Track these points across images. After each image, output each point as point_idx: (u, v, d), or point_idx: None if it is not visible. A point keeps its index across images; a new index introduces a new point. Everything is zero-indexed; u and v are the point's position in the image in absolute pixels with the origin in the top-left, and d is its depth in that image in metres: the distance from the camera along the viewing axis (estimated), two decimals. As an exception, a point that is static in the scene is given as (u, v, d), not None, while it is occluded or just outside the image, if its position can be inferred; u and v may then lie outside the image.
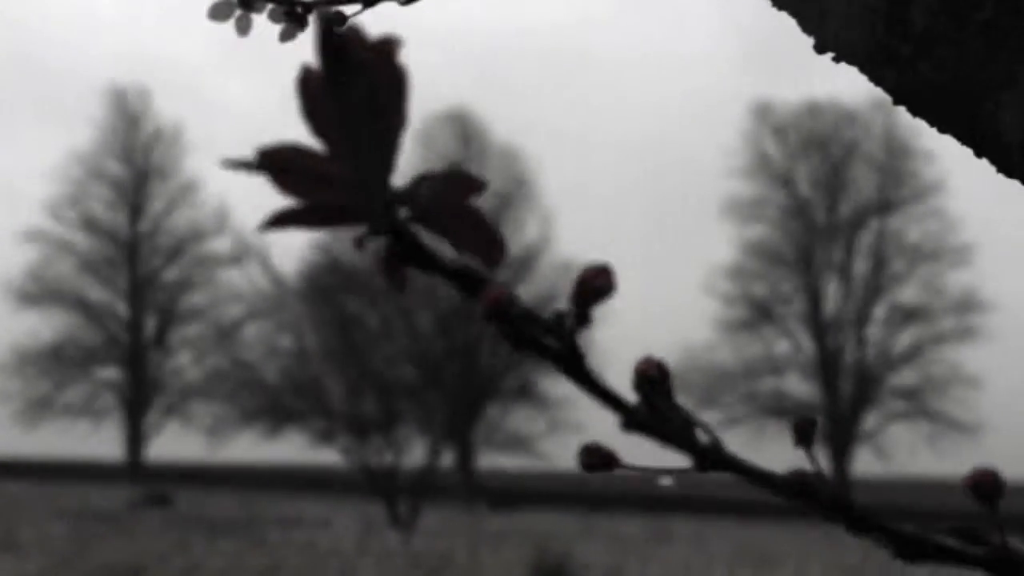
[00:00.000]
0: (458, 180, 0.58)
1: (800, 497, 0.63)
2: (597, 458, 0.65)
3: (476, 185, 0.58)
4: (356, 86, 0.56)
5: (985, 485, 0.64)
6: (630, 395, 0.64)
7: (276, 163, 0.57)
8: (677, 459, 0.64)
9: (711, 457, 0.63)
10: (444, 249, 0.60)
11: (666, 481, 0.66)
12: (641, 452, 0.68)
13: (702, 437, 0.64)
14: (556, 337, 0.61)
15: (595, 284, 0.61)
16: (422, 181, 0.58)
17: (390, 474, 29.99)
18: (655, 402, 0.63)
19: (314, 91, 0.57)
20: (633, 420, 0.63)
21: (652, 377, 0.63)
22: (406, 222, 0.59)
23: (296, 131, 0.58)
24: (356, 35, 0.56)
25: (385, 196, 0.58)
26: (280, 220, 0.58)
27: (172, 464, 53.82)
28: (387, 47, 0.56)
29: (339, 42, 0.56)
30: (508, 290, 0.58)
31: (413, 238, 0.59)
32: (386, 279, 0.60)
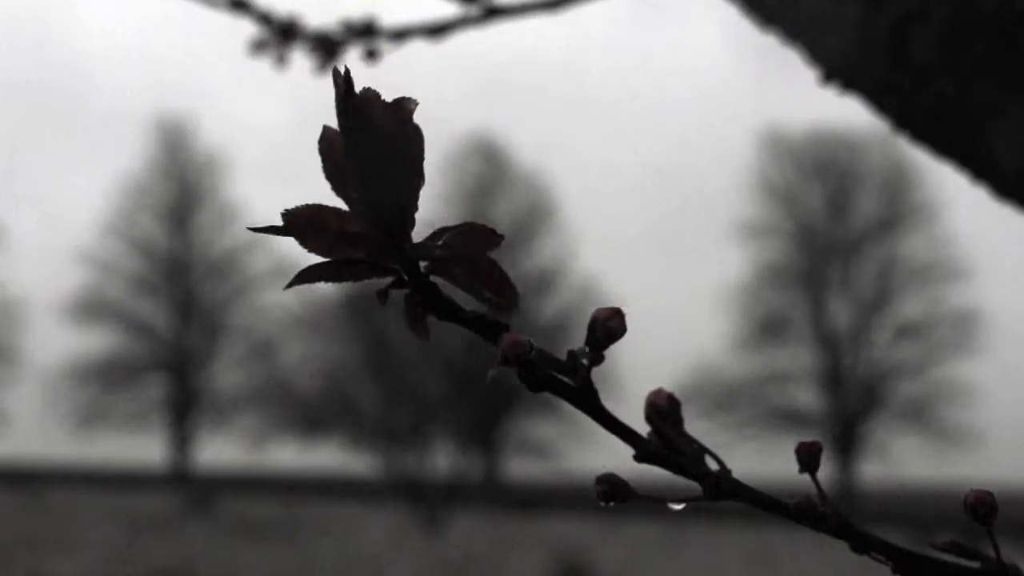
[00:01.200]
0: (474, 233, 0.58)
1: (807, 522, 0.63)
2: (611, 487, 0.65)
3: (492, 238, 0.58)
4: (374, 146, 0.56)
5: (982, 506, 0.65)
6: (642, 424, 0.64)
7: (300, 224, 0.57)
8: (690, 483, 0.64)
9: (722, 486, 0.63)
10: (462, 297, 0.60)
11: (677, 507, 0.66)
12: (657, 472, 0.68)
13: (712, 465, 0.64)
14: (571, 376, 0.61)
15: (608, 326, 0.61)
16: (440, 234, 0.58)
17: (420, 480, 30.03)
18: (666, 433, 0.63)
19: (335, 152, 0.57)
20: (646, 452, 0.63)
21: (662, 409, 0.63)
22: (426, 274, 0.59)
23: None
24: (373, 97, 0.56)
25: (405, 251, 0.58)
26: (305, 276, 0.58)
27: (216, 470, 53.88)
28: (402, 108, 0.56)
29: (358, 104, 0.56)
30: (524, 337, 0.58)
31: (433, 289, 0.59)
32: (410, 328, 0.60)
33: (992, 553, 0.64)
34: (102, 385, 57.10)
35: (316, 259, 0.58)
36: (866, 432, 54.36)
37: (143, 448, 58.07)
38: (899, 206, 54.67)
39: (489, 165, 54.80)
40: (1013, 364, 64.43)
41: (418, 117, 0.58)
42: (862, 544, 0.64)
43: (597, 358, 0.61)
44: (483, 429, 34.65)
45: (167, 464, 57.61)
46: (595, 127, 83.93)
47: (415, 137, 0.57)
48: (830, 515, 0.63)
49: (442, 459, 30.90)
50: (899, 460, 50.51)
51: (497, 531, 29.76)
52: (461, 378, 32.04)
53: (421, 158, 0.58)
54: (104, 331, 57.85)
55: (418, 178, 0.58)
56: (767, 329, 55.25)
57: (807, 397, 54.48)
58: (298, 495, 42.84)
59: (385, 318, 31.75)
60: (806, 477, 0.66)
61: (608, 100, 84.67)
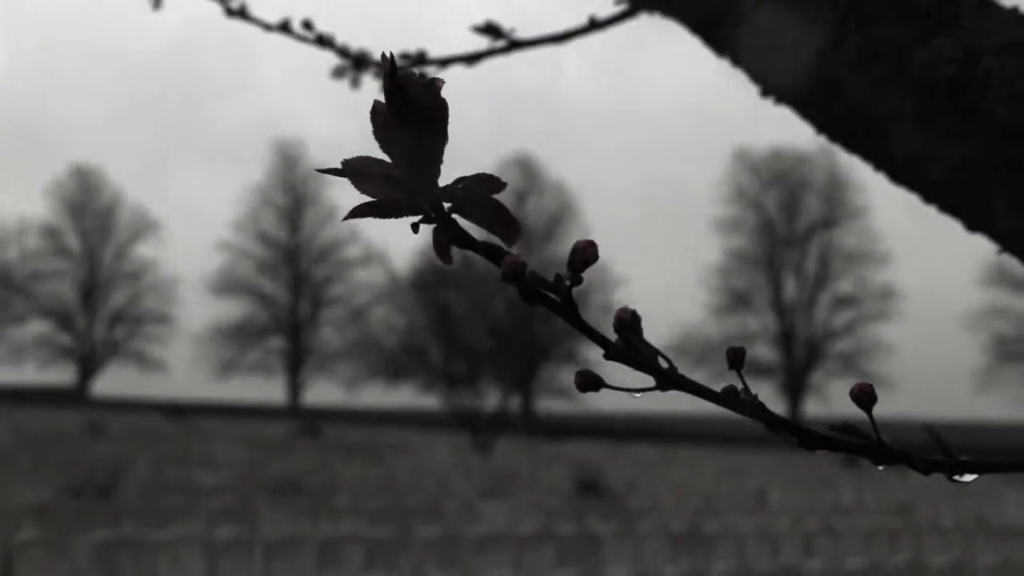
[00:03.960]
0: (485, 181, 0.58)
1: (730, 406, 0.63)
2: (587, 379, 0.64)
3: (498, 184, 0.58)
4: (410, 114, 0.57)
5: (863, 396, 0.64)
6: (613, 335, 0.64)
7: (355, 170, 0.57)
8: (647, 380, 0.63)
9: (668, 378, 0.63)
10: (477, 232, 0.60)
11: (637, 395, 0.65)
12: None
13: (663, 364, 0.64)
14: (556, 293, 0.61)
15: (585, 254, 0.60)
16: (460, 182, 0.58)
17: (473, 414, 30.00)
18: (629, 339, 0.63)
19: (382, 118, 0.57)
20: (613, 352, 0.63)
21: (626, 320, 0.63)
22: (449, 212, 0.59)
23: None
24: (411, 77, 0.56)
25: (433, 193, 0.58)
26: (357, 212, 0.58)
27: (320, 406, 54.04)
28: (433, 86, 0.57)
29: (399, 82, 0.56)
30: (521, 259, 0.58)
31: (454, 224, 0.59)
32: (436, 254, 0.60)
33: (873, 433, 0.64)
34: (236, 342, 57.60)
35: (364, 199, 0.58)
36: (810, 379, 54.80)
37: (266, 389, 58.38)
38: (836, 208, 55.42)
39: (525, 176, 55.03)
40: (920, 327, 64.55)
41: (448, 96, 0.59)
42: (774, 424, 0.63)
43: (576, 279, 0.60)
44: (521, 376, 34.60)
45: (284, 401, 57.86)
46: (604, 139, 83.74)
47: (441, 108, 0.58)
48: (750, 402, 0.63)
49: (490, 398, 30.88)
50: (835, 400, 50.65)
51: (531, 453, 29.76)
52: (504, 337, 32.01)
53: (446, 123, 0.58)
54: (237, 302, 58.43)
55: (443, 138, 0.58)
56: (736, 300, 55.91)
57: (766, 352, 54.95)
58: (382, 425, 42.98)
59: (446, 293, 31.79)
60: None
61: (612, 116, 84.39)
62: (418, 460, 25.28)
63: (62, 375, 58.78)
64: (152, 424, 36.75)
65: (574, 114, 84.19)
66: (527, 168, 55.33)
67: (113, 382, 59.73)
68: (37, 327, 57.29)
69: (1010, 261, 0.92)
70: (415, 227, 0.59)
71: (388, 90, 0.55)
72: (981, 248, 0.95)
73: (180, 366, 63.73)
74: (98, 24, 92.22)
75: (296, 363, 58.26)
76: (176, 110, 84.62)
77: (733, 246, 56.11)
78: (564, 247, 46.67)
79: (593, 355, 0.67)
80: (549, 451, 30.89)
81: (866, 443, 0.63)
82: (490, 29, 1.28)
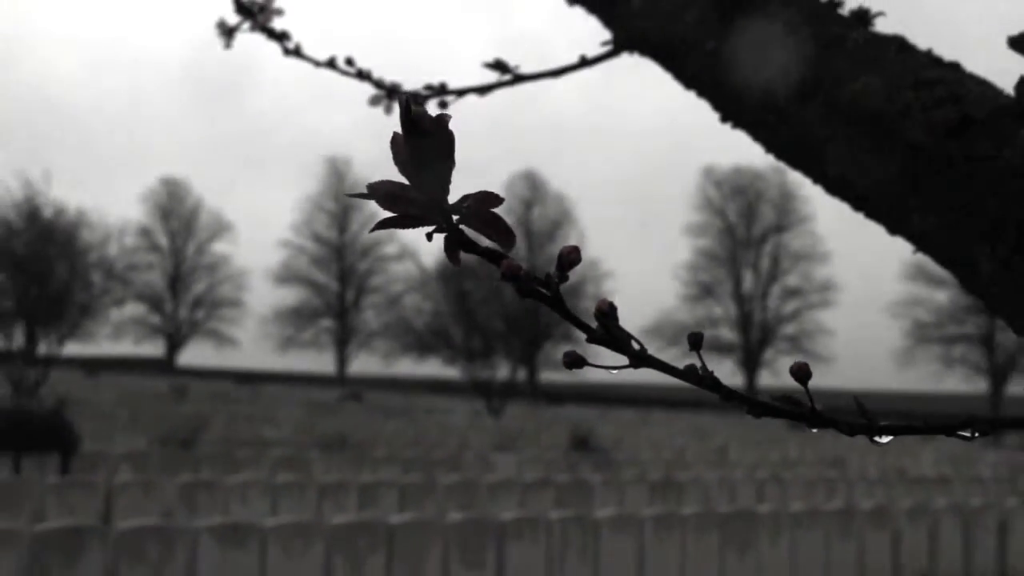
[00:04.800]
0: (486, 198, 0.58)
1: (690, 380, 0.62)
2: (574, 359, 0.64)
3: (496, 200, 0.58)
4: (423, 143, 0.56)
5: (800, 373, 0.63)
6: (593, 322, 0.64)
7: (379, 192, 0.57)
8: (624, 359, 0.63)
9: (639, 357, 0.62)
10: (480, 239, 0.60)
11: (614, 372, 0.65)
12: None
13: (636, 346, 0.63)
14: (547, 288, 0.61)
15: (570, 257, 0.60)
16: (465, 199, 0.58)
17: (488, 383, 30.01)
18: (607, 325, 0.63)
19: (400, 147, 0.56)
20: (593, 336, 0.62)
21: (605, 310, 0.62)
22: (456, 224, 0.59)
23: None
24: (423, 113, 0.56)
25: (443, 209, 0.58)
26: (382, 225, 0.58)
27: (363, 375, 54.15)
28: (442, 120, 0.56)
29: (414, 117, 0.55)
30: (516, 262, 0.58)
31: (461, 234, 0.58)
32: (447, 258, 0.60)
33: (808, 403, 0.64)
34: (294, 322, 57.72)
35: (386, 214, 0.58)
36: (763, 356, 54.92)
37: (319, 361, 58.54)
38: (786, 215, 55.68)
39: (531, 187, 55.18)
40: (853, 314, 64.54)
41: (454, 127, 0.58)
42: (727, 395, 0.63)
43: (563, 277, 0.60)
44: (527, 352, 34.56)
45: (333, 371, 57.96)
46: (596, 156, 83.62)
47: (449, 138, 0.57)
48: (707, 376, 0.62)
49: (501, 371, 30.91)
50: (784, 374, 50.71)
51: (534, 415, 29.78)
52: (513, 320, 32.02)
53: (453, 151, 0.57)
54: (295, 290, 58.61)
55: (451, 163, 0.57)
56: (703, 291, 56.15)
57: (728, 334, 55.06)
58: (412, 391, 43.02)
59: (466, 284, 31.78)
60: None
61: (602, 138, 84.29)
62: (442, 420, 25.34)
63: (153, 348, 58.99)
64: (225, 389, 36.84)
65: (573, 134, 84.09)
66: (532, 181, 55.56)
67: (194, 355, 59.91)
68: (133, 309, 57.26)
69: (926, 259, 0.91)
70: (429, 236, 0.59)
71: (405, 124, 0.55)
72: (903, 248, 0.94)
73: (249, 341, 63.82)
74: (177, 55, 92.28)
75: (343, 340, 58.46)
76: (246, 131, 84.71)
77: (701, 246, 56.60)
78: (560, 246, 47.17)
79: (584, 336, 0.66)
80: (549, 414, 30.93)
81: (802, 411, 0.63)
82: (498, 65, 1.27)
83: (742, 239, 56.36)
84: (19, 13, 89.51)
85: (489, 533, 7.39)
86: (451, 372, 33.71)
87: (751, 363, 54.06)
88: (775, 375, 52.62)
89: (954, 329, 48.15)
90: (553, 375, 44.22)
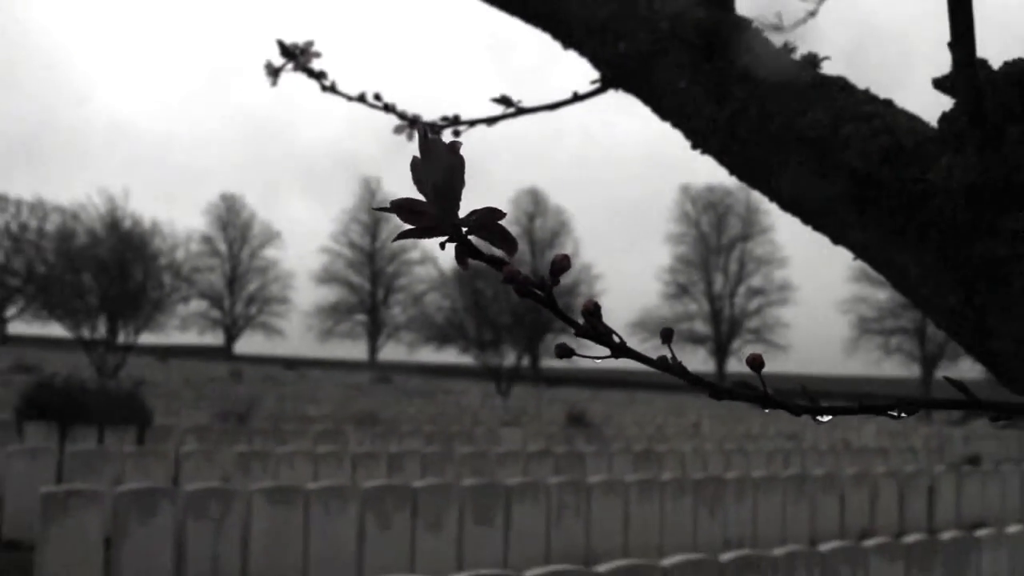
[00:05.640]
0: (491, 212, 0.58)
1: (662, 368, 0.62)
2: (563, 350, 0.64)
3: (500, 214, 0.58)
4: (437, 166, 0.56)
5: (755, 363, 0.63)
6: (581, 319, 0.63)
7: (400, 207, 0.57)
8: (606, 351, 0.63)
9: (619, 348, 0.62)
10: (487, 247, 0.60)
11: (597, 361, 0.64)
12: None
13: (616, 339, 0.63)
14: (541, 290, 0.61)
15: (560, 264, 0.60)
16: (473, 213, 0.58)
17: (496, 369, 29.98)
18: (592, 322, 0.62)
19: (418, 169, 0.56)
20: (581, 330, 0.62)
21: (590, 308, 0.62)
22: (465, 235, 0.59)
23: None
24: (437, 140, 0.56)
25: (454, 222, 0.58)
26: (403, 236, 0.58)
27: (391, 361, 54.14)
28: (454, 146, 0.56)
29: (429, 144, 0.56)
30: (516, 268, 0.58)
31: (469, 243, 0.58)
32: (458, 263, 0.60)
33: (762, 388, 0.63)
34: (332, 316, 57.72)
35: (405, 227, 0.58)
36: (732, 346, 54.82)
37: (354, 349, 58.47)
38: (750, 226, 55.58)
39: (534, 202, 55.22)
40: (807, 310, 64.40)
41: (465, 153, 0.58)
42: (693, 380, 0.62)
43: (555, 281, 0.60)
44: (530, 342, 34.43)
45: (366, 358, 57.94)
46: (590, 176, 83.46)
47: (459, 162, 0.57)
48: (675, 365, 0.62)
49: (508, 358, 30.85)
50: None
51: (536, 396, 29.76)
52: (519, 315, 31.91)
53: (463, 173, 0.57)
54: (333, 289, 58.54)
55: (461, 183, 0.57)
56: (680, 291, 56.06)
57: (702, 327, 54.91)
58: (432, 375, 43.01)
59: (478, 283, 31.72)
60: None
61: (595, 159, 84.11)
62: (457, 400, 25.34)
63: (214, 338, 58.94)
64: (275, 373, 36.88)
65: (570, 157, 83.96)
66: (535, 196, 55.78)
67: (248, 344, 59.88)
68: (197, 305, 57.25)
69: (864, 265, 0.91)
70: (442, 245, 0.59)
71: (422, 150, 0.55)
72: (849, 254, 0.94)
73: (294, 333, 63.86)
74: (234, 91, 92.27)
75: (373, 332, 58.50)
76: (293, 154, 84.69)
77: (679, 253, 56.76)
78: (557, 251, 47.20)
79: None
80: (548, 395, 30.93)
81: (757, 395, 0.63)
82: (504, 100, 1.27)
83: (713, 247, 56.45)
84: (97, 62, 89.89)
85: (497, 495, 7.39)
86: (465, 359, 33.70)
87: (721, 352, 54.11)
88: (741, 362, 52.52)
89: (892, 323, 48.31)
90: (552, 362, 44.19)
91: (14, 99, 79.91)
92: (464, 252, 0.59)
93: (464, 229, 0.59)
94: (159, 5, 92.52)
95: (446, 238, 0.59)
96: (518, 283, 0.59)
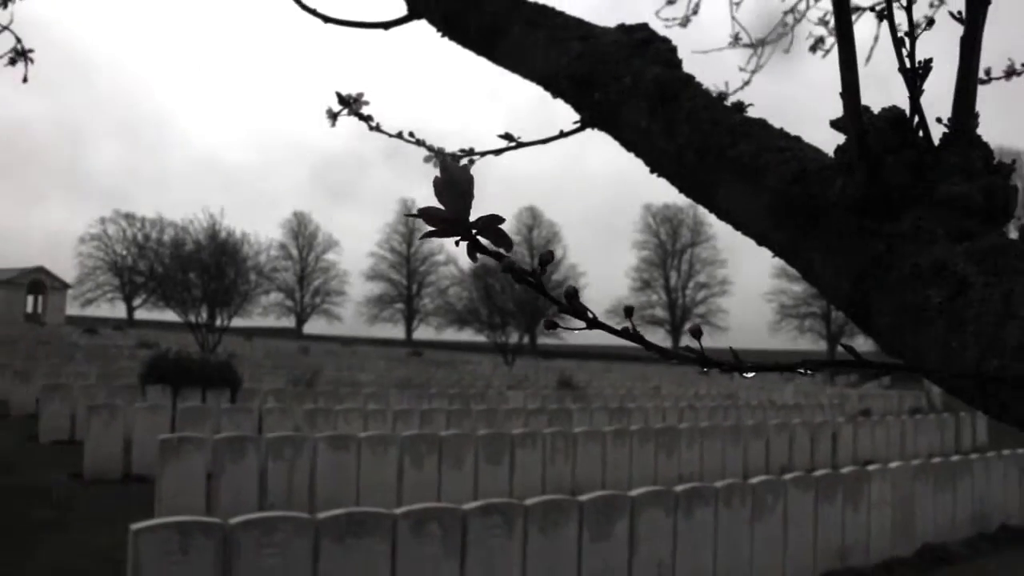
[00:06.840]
0: (494, 217, 0.58)
1: (624, 336, 0.62)
2: (550, 324, 0.63)
3: (500, 219, 0.58)
4: (452, 182, 0.56)
5: (695, 332, 0.60)
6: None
7: (425, 214, 0.57)
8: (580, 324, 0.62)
9: (591, 322, 0.62)
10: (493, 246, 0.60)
11: (576, 331, 0.64)
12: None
13: (590, 315, 0.63)
14: (532, 276, 0.61)
15: (545, 257, 0.60)
16: (480, 219, 0.58)
17: (504, 345, 29.94)
18: (571, 301, 0.62)
19: (439, 185, 0.57)
20: (562, 308, 0.62)
21: (570, 292, 0.62)
22: (475, 235, 0.59)
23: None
24: (454, 164, 0.56)
25: (466, 224, 0.58)
26: (427, 235, 0.58)
27: (423, 340, 54.09)
28: (465, 168, 0.56)
29: (448, 167, 0.56)
30: (511, 260, 0.58)
31: (477, 241, 0.59)
32: (468, 256, 0.60)
33: (701, 352, 0.63)
34: (378, 305, 57.60)
35: (429, 228, 0.58)
36: (684, 328, 54.91)
37: (394, 331, 58.33)
38: (698, 235, 55.45)
39: (532, 216, 55.16)
40: (742, 300, 64.13)
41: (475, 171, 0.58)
42: (648, 346, 0.62)
43: (543, 270, 0.60)
44: (530, 325, 34.37)
45: (403, 337, 57.89)
46: (574, 195, 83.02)
47: (470, 179, 0.57)
48: (634, 334, 0.61)
49: (513, 337, 30.81)
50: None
51: (535, 366, 29.69)
52: (521, 304, 31.86)
53: (472, 187, 0.57)
54: (379, 284, 58.40)
55: (471, 196, 0.57)
56: (645, 285, 55.97)
57: (660, 313, 54.81)
58: (455, 350, 42.91)
59: (489, 279, 31.66)
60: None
61: (576, 182, 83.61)
62: (474, 369, 25.32)
63: (288, 322, 59.03)
64: (334, 348, 36.87)
65: (560, 181, 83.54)
66: (532, 212, 55.95)
67: (314, 326, 59.88)
68: (275, 297, 57.49)
69: (783, 262, 0.91)
70: (457, 243, 0.59)
71: (442, 172, 0.55)
72: (770, 254, 0.94)
73: (349, 318, 63.79)
74: (298, 131, 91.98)
75: (409, 317, 58.57)
76: (348, 180, 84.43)
77: (643, 256, 57.02)
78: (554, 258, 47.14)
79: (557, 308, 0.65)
80: (544, 365, 30.86)
81: (696, 356, 0.63)
82: (507, 136, 1.27)
83: (670, 251, 56.65)
84: (191, 111, 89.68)
85: (504, 442, 7.40)
86: (480, 338, 33.72)
87: (675, 332, 54.19)
88: (691, 340, 52.93)
89: (805, 309, 48.66)
90: (547, 339, 44.22)
91: (135, 145, 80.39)
92: (474, 248, 0.59)
93: (473, 230, 0.59)
94: (237, 63, 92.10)
95: (460, 237, 0.59)
96: (514, 272, 0.59)
